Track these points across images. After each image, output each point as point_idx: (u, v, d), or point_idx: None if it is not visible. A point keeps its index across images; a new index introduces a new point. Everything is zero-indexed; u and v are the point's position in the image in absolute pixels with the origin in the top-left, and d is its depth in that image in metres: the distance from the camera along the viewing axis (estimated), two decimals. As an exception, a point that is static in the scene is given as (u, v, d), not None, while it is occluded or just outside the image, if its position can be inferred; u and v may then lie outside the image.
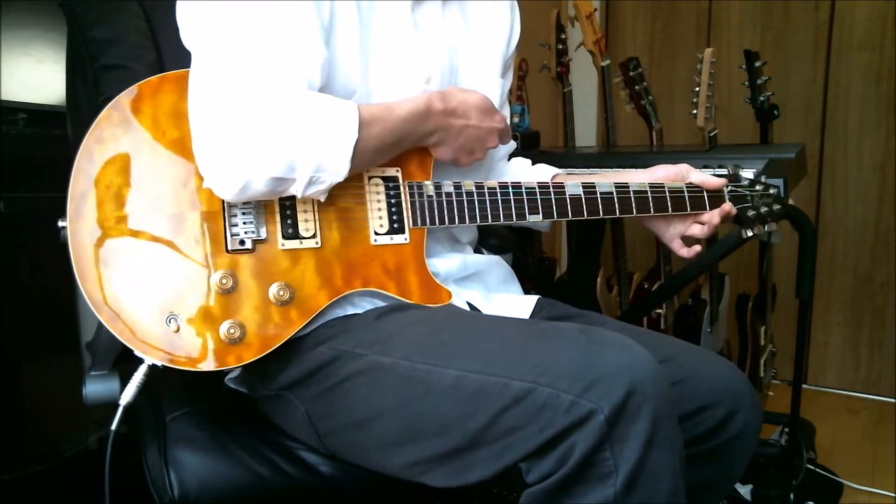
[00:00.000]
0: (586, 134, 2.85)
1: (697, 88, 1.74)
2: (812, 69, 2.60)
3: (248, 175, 0.76)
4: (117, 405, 0.81)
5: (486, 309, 0.98)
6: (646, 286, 2.09)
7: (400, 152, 0.89)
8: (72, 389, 0.87)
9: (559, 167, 1.56)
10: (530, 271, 1.88)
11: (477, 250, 1.11)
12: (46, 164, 0.83)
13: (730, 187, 1.07)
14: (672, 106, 2.76)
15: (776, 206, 1.08)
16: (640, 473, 0.66)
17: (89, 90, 1.00)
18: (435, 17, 0.97)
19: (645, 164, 1.49)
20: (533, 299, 1.04)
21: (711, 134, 1.77)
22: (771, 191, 1.09)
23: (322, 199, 0.84)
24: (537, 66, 1.95)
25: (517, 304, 1.03)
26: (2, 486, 1.34)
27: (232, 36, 0.79)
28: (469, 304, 0.97)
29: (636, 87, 1.83)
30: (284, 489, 0.87)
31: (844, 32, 2.54)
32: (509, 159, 1.19)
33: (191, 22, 0.83)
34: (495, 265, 1.06)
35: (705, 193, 1.04)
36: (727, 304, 2.15)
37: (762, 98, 1.86)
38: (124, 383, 0.81)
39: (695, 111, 1.75)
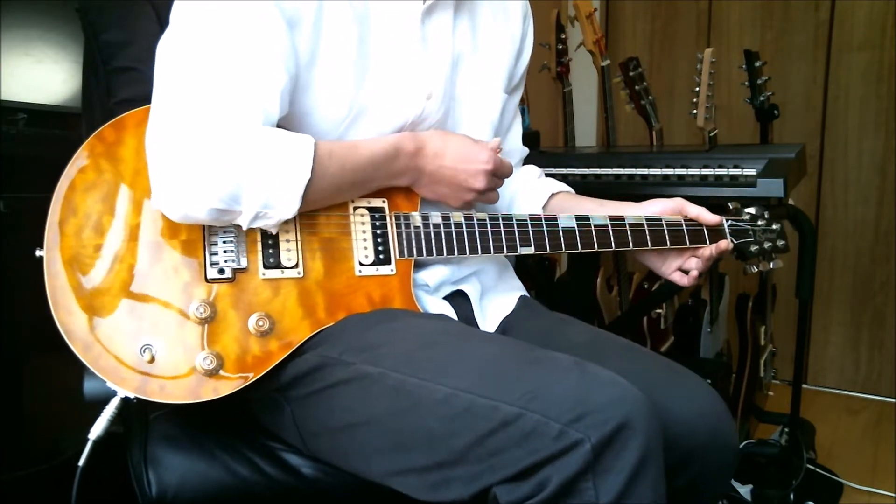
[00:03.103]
0: (586, 134, 2.85)
1: (697, 88, 1.74)
2: (812, 69, 2.60)
3: (189, 203, 0.77)
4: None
5: (479, 302, 0.98)
6: (646, 286, 2.09)
7: (369, 192, 0.89)
8: (72, 389, 0.86)
9: (559, 167, 1.57)
10: (530, 271, 1.88)
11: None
12: (46, 164, 0.82)
13: (730, 221, 1.04)
14: (672, 106, 2.76)
15: (780, 242, 1.05)
16: None
17: (102, 92, 1.01)
18: (445, 29, 0.95)
19: (645, 164, 1.50)
20: (517, 296, 1.03)
21: (711, 134, 1.77)
22: (774, 226, 1.06)
23: (273, 232, 0.83)
24: (537, 66, 1.95)
25: (503, 298, 1.02)
26: (2, 486, 1.34)
27: (190, 62, 0.78)
28: (464, 294, 0.96)
29: (636, 87, 1.83)
30: (265, 490, 0.87)
31: (844, 32, 2.54)
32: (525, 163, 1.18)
33: (160, 48, 0.82)
34: (490, 262, 1.04)
35: (705, 228, 1.01)
36: (727, 304, 2.15)
37: (762, 98, 1.86)
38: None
39: (695, 111, 1.75)
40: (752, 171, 1.38)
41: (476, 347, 0.78)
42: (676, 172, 1.46)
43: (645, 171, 1.49)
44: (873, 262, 2.58)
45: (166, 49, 0.81)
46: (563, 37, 1.92)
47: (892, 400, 2.56)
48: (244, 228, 0.81)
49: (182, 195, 0.76)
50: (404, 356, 0.77)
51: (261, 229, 0.83)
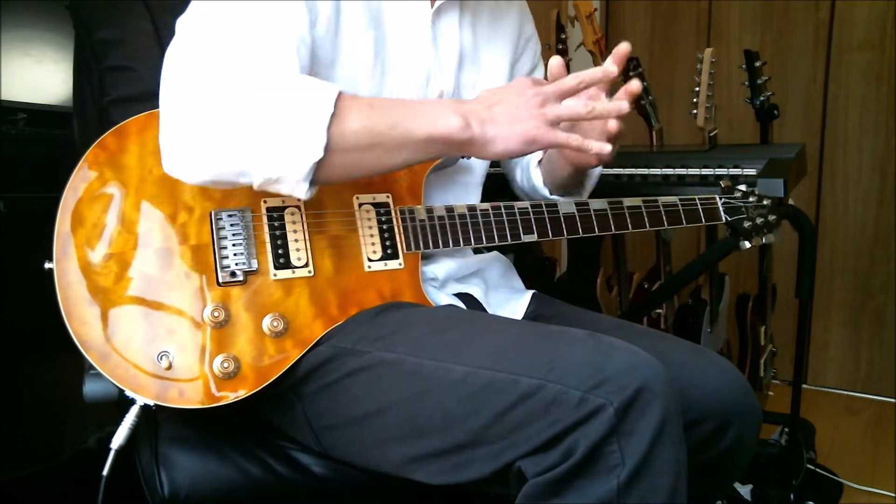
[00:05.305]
0: (586, 134, 2.85)
1: (697, 88, 1.74)
2: (812, 69, 2.61)
3: (196, 174, 0.74)
4: (109, 436, 0.79)
5: (487, 301, 0.99)
6: (646, 286, 2.09)
7: (414, 143, 0.77)
8: (72, 389, 0.87)
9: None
10: (530, 271, 1.88)
11: (478, 250, 1.11)
12: (46, 164, 0.83)
13: (723, 199, 1.07)
14: (672, 106, 2.76)
15: (772, 217, 1.09)
16: (644, 468, 0.66)
17: (95, 91, 1.01)
18: (452, 29, 0.97)
19: (645, 164, 1.50)
20: (529, 294, 1.05)
21: (711, 134, 1.77)
22: (765, 202, 1.09)
23: (298, 196, 0.76)
24: (537, 66, 1.95)
25: (515, 297, 1.03)
26: (2, 486, 1.34)
27: (208, 29, 0.75)
28: (471, 297, 0.97)
29: (636, 87, 1.82)
30: (276, 489, 0.87)
31: (844, 32, 2.54)
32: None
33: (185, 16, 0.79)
34: (494, 260, 1.06)
35: (699, 206, 1.04)
36: (727, 304, 2.15)
37: (762, 98, 1.86)
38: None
39: (695, 111, 1.75)
40: (752, 171, 1.38)
41: (489, 328, 0.79)
42: (676, 172, 1.46)
43: (645, 171, 1.49)
44: (873, 262, 2.58)
45: (184, 25, 0.77)
46: (563, 37, 1.92)
47: (892, 400, 2.56)
48: (256, 188, 0.75)
49: (190, 166, 0.74)
50: (419, 341, 0.78)
51: (269, 230, 0.83)
